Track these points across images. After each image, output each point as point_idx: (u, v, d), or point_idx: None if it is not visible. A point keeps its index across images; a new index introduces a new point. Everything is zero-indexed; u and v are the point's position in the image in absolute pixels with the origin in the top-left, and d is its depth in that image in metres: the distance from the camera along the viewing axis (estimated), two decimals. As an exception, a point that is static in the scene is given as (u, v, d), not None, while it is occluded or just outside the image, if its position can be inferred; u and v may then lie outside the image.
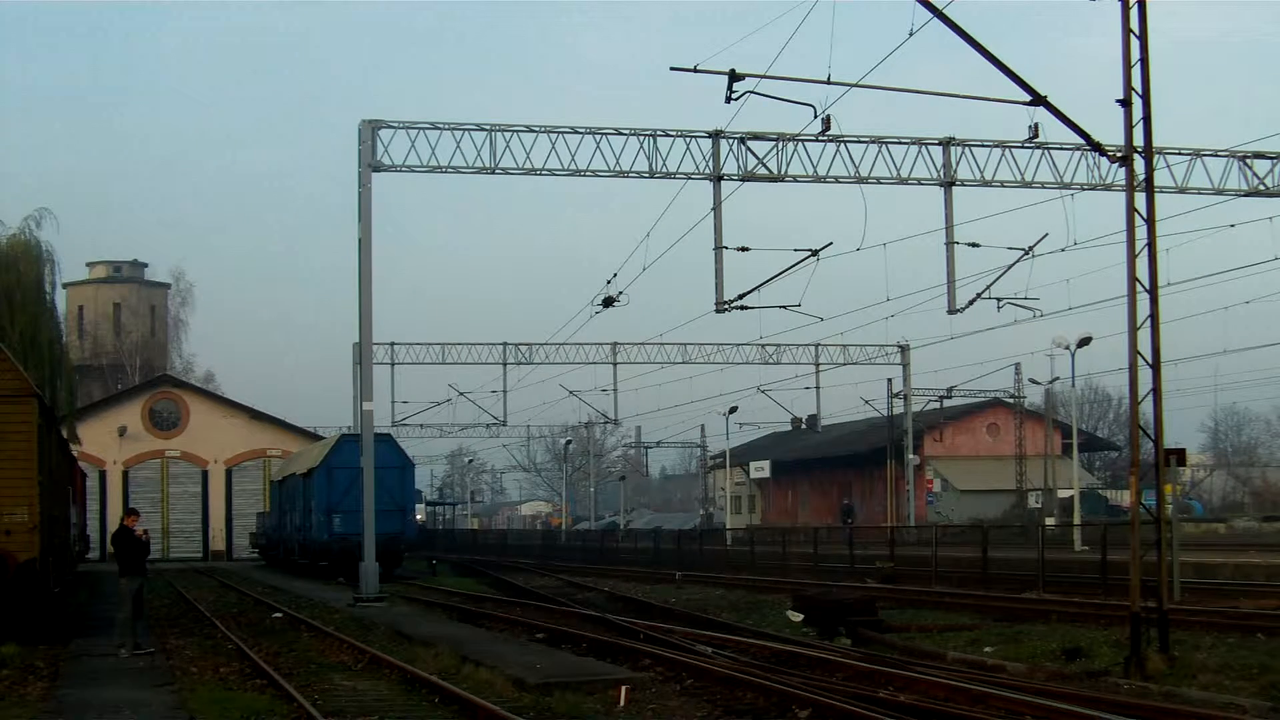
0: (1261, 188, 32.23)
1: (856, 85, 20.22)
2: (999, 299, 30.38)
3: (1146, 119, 16.77)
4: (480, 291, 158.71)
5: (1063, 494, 58.94)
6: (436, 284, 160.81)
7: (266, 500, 60.77)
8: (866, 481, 75.45)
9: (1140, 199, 16.96)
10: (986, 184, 31.03)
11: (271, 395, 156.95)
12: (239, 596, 33.60)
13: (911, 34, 17.52)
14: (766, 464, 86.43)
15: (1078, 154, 30.86)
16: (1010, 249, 29.64)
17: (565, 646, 20.49)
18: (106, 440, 61.75)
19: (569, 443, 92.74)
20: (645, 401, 62.84)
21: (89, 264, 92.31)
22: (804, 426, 66.69)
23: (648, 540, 55.26)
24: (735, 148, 30.09)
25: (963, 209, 30.96)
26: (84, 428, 54.66)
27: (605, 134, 30.33)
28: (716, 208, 29.61)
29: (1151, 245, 16.78)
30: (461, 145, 30.11)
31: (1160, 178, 25.29)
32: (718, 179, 29.95)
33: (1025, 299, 30.41)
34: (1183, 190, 31.55)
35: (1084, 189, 31.15)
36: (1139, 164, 17.04)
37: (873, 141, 30.68)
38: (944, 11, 16.68)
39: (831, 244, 27.94)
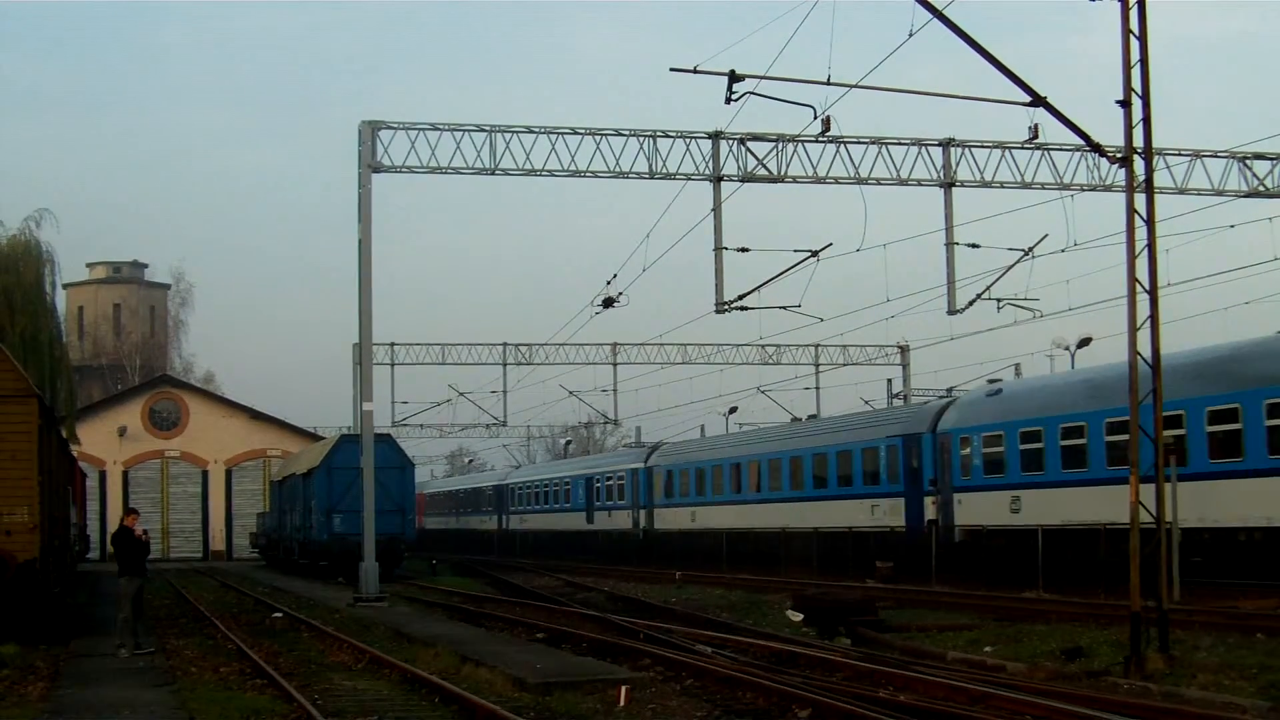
0: (1261, 188, 32.23)
1: (856, 86, 20.21)
2: (999, 299, 30.36)
3: (1146, 120, 16.78)
4: (480, 291, 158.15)
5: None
6: (436, 284, 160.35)
7: (266, 500, 60.73)
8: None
9: (1140, 200, 16.96)
10: (986, 184, 31.01)
11: (271, 395, 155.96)
12: (239, 596, 33.61)
13: (911, 34, 17.53)
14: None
15: (1078, 154, 30.86)
16: (1010, 249, 29.65)
17: (565, 646, 20.51)
18: (106, 440, 61.71)
19: (569, 443, 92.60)
20: (645, 401, 62.70)
21: (89, 264, 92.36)
22: (804, 427, 66.62)
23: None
24: (735, 148, 30.09)
25: (963, 209, 30.94)
26: (84, 428, 54.61)
27: (605, 134, 30.33)
28: (716, 208, 29.62)
29: (1151, 246, 16.79)
30: (461, 146, 30.12)
31: (1160, 178, 25.32)
32: (717, 180, 29.95)
33: (1025, 299, 30.40)
34: (1183, 191, 31.53)
35: (1084, 189, 31.13)
36: (1139, 165, 17.04)
37: (872, 142, 30.68)
38: (944, 12, 16.70)
39: (831, 244, 27.95)
